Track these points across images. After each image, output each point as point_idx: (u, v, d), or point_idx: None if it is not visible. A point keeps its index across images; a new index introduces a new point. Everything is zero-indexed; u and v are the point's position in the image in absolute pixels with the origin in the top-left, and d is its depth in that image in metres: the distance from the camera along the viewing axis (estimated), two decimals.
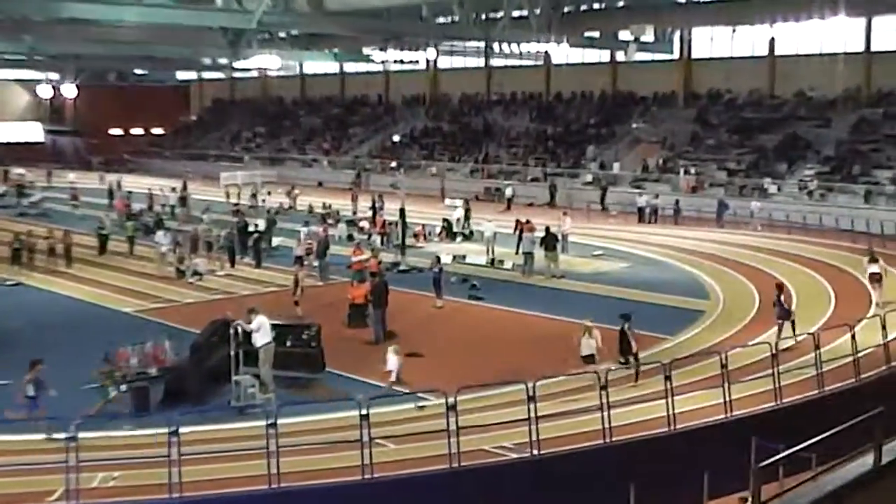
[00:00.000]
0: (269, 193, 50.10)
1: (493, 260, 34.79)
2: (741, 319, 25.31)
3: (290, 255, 32.84)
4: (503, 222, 39.05)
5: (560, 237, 34.48)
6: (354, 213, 47.03)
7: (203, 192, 55.76)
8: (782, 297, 22.85)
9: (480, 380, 17.62)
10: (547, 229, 33.38)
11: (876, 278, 26.32)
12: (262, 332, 19.32)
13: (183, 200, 49.46)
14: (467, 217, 42.17)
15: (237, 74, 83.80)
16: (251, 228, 36.84)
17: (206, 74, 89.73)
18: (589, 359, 19.50)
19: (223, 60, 64.46)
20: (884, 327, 19.35)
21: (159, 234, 35.07)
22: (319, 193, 56.54)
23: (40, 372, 16.88)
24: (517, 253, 34.41)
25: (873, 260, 27.13)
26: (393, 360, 19.88)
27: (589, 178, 53.79)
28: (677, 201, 46.44)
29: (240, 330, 18.94)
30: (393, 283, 27.17)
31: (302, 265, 29.52)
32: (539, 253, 32.80)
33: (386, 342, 22.42)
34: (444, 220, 42.01)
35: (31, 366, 17.02)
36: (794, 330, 21.63)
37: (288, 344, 20.30)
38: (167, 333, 21.93)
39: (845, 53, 49.09)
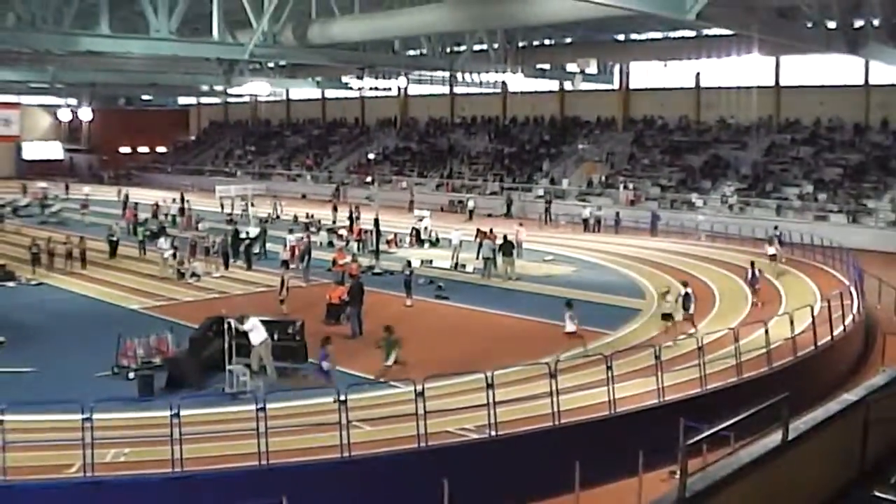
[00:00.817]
0: (251, 205, 49.74)
1: (456, 264, 34.90)
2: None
3: (277, 259, 32.70)
4: (467, 231, 39.18)
5: (516, 244, 34.64)
6: (334, 221, 46.90)
7: (200, 202, 55.32)
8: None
9: (446, 369, 17.65)
10: (505, 237, 33.58)
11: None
12: (256, 331, 19.23)
13: (182, 211, 49.12)
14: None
15: (231, 99, 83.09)
16: (242, 235, 36.66)
17: (204, 99, 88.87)
18: (667, 317, 21.47)
19: (219, 87, 63.98)
20: (791, 323, 19.63)
21: (161, 240, 34.84)
22: (303, 204, 56.39)
23: (330, 351, 18.16)
24: (478, 258, 34.55)
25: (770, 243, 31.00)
26: None
27: (541, 192, 53.93)
28: (618, 213, 46.66)
29: (233, 325, 18.90)
30: (368, 284, 27.15)
31: (287, 268, 29.41)
32: (498, 258, 32.97)
33: (363, 337, 22.46)
34: (413, 228, 42.17)
35: (322, 343, 18.51)
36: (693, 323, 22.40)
37: (275, 337, 20.26)
38: (169, 327, 21.82)
39: (759, 87, 49.74)
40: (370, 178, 63.14)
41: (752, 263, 27.98)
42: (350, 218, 44.51)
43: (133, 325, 22.85)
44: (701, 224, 42.95)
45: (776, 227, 37.92)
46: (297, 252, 32.99)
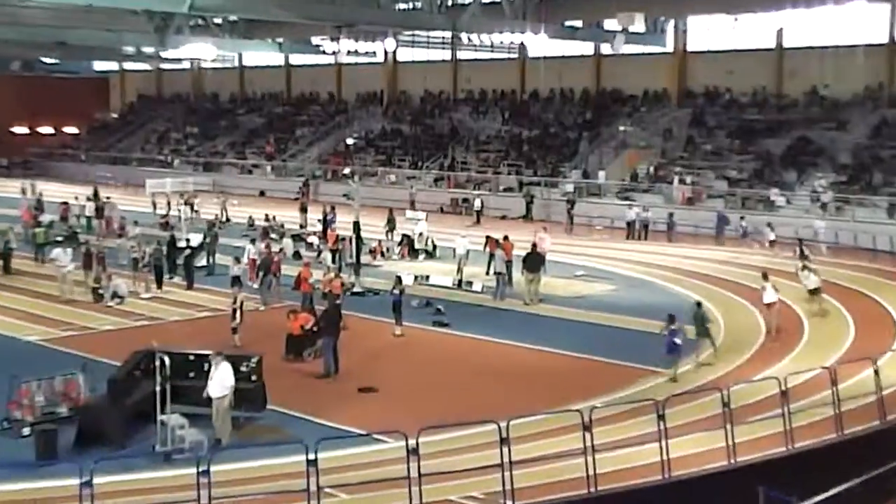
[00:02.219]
0: (193, 205, 49.66)
1: (460, 281, 34.97)
2: (746, 350, 25.49)
3: (227, 275, 32.63)
4: (474, 238, 39.24)
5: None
6: (302, 226, 46.92)
7: (126, 201, 55.35)
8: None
9: (445, 419, 17.59)
10: (533, 247, 33.63)
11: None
12: (219, 380, 18.95)
13: (100, 212, 48.98)
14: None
15: (165, 66, 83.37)
16: (182, 244, 36.59)
17: (129, 65, 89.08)
18: (815, 292, 25.63)
19: (148, 49, 63.87)
20: None
21: (58, 251, 34.18)
22: (262, 204, 56.37)
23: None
24: (488, 273, 34.60)
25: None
26: None
27: (569, 187, 54.06)
28: (671, 214, 46.81)
29: (167, 362, 18.69)
30: (346, 306, 27.18)
31: (241, 287, 29.30)
32: (515, 273, 33.01)
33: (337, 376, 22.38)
34: (404, 235, 42.21)
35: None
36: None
37: None
38: (81, 365, 21.57)
39: (865, 46, 49.27)
40: (349, 169, 63.16)
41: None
42: (323, 221, 44.60)
43: (31, 364, 22.60)
44: (820, 232, 42.27)
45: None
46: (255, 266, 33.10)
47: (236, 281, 30.62)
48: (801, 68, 54.98)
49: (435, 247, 41.32)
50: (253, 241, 36.69)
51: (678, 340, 23.00)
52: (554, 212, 51.38)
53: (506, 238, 35.54)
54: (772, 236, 41.80)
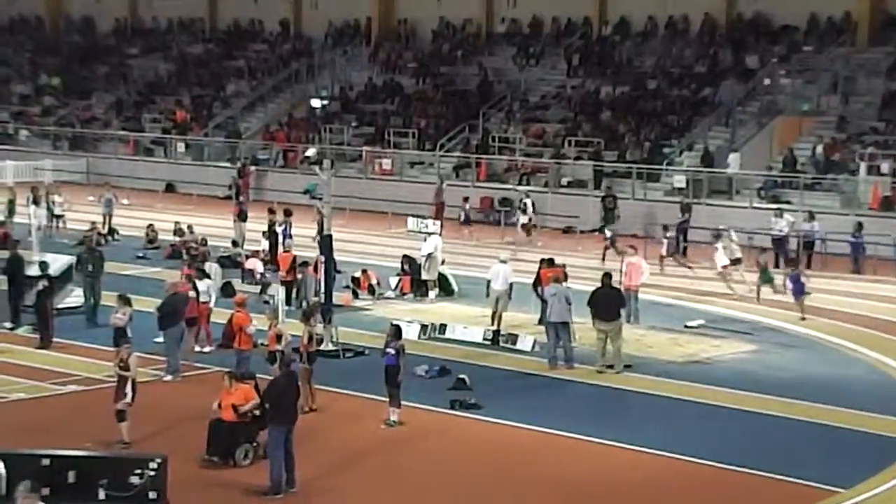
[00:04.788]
0: (39, 202, 49.50)
1: (496, 334, 34.94)
2: None
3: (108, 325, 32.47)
4: (519, 265, 39.21)
5: (626, 295, 34.94)
6: (236, 243, 46.94)
7: None
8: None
9: None
10: (605, 278, 33.43)
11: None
12: None
13: None
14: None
15: None
16: (33, 272, 36.33)
17: None
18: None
19: None
20: None
21: None
22: (170, 206, 56.25)
23: None
24: (541, 322, 34.68)
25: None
26: None
27: (680, 180, 53.99)
28: (858, 226, 46.61)
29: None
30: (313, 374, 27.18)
31: (129, 344, 28.90)
32: (577, 317, 32.83)
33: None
34: (405, 258, 42.32)
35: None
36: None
37: (103, 496, 20.27)
38: None
39: None
40: (313, 150, 62.79)
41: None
42: (271, 235, 45.00)
43: None
44: None
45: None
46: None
47: (121, 334, 30.28)
48: None
49: (454, 278, 41.40)
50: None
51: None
52: (652, 220, 51.29)
53: (549, 262, 35.82)
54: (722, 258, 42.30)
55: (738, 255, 42.18)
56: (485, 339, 34.71)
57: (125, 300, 32.21)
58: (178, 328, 31.52)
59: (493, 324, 35.45)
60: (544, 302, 34.42)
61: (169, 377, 30.52)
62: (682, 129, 58.78)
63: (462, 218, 54.31)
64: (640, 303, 36.81)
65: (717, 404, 29.19)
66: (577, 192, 56.47)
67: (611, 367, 31.79)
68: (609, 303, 32.56)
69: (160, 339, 31.75)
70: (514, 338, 34.49)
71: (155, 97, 76.14)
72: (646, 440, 26.21)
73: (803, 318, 37.18)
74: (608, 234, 46.47)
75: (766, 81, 59.36)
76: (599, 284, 33.15)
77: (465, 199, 54.52)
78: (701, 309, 38.84)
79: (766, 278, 39.75)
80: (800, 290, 37.51)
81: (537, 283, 35.76)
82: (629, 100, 62.06)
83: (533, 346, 33.82)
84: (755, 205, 51.66)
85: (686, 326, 36.62)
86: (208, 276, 35.33)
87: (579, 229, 52.72)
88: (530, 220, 52.38)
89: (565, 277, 34.28)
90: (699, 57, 63.44)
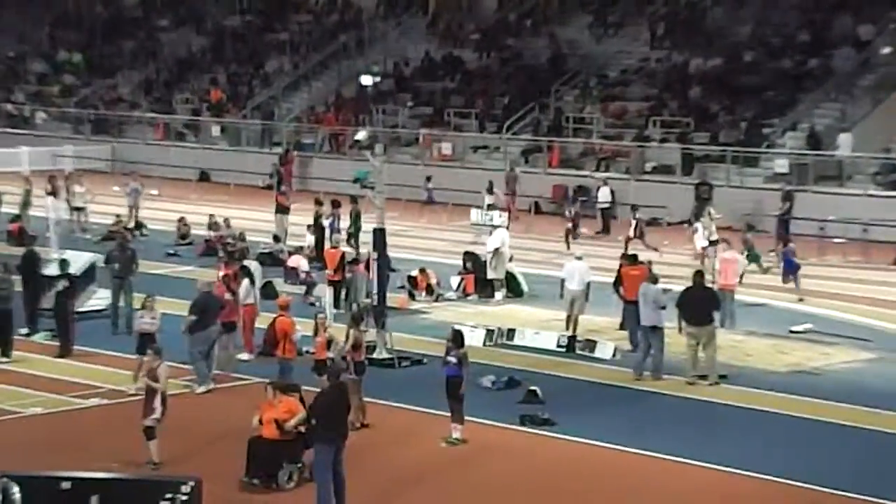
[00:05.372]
0: (56, 193, 49.88)
1: (572, 340, 34.96)
2: None
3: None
4: (598, 262, 39.39)
5: (721, 295, 34.93)
6: (278, 238, 47.16)
7: None
8: None
9: None
10: (697, 276, 33.41)
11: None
12: None
13: None
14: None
15: None
16: (50, 271, 36.62)
17: None
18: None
19: None
20: None
21: None
22: (203, 198, 56.49)
23: None
24: (623, 327, 34.80)
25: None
26: None
27: (782, 166, 54.09)
28: None
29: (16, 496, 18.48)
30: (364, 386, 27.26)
31: (157, 350, 28.84)
32: (667, 321, 32.68)
33: None
34: (467, 253, 42.69)
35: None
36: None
37: None
38: None
39: None
40: (364, 133, 62.99)
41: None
42: (317, 230, 45.20)
43: None
44: None
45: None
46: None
47: (148, 340, 30.18)
48: None
49: (524, 277, 41.55)
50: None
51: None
52: (750, 212, 51.36)
53: (632, 259, 36.03)
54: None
55: (716, 237, 43.88)
56: (559, 345, 34.85)
57: (147, 301, 32.36)
58: (205, 333, 31.50)
59: (567, 329, 35.52)
60: (627, 304, 34.49)
61: (201, 388, 30.52)
62: (783, 107, 58.75)
63: (534, 208, 54.87)
64: (737, 304, 36.72)
65: (827, 420, 28.99)
66: (664, 178, 56.68)
67: (704, 377, 31.72)
68: (701, 305, 32.47)
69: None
70: (592, 344, 34.57)
71: (187, 75, 76.58)
72: (743, 461, 26.05)
73: (801, 300, 40.43)
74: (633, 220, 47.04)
75: (885, 51, 59.05)
76: (690, 283, 33.11)
77: (428, 179, 56.41)
78: (806, 311, 38.87)
79: (752, 257, 42.52)
80: (792, 268, 40.92)
81: (618, 282, 35.67)
82: (722, 74, 62.09)
83: (613, 354, 33.93)
84: (870, 192, 51.61)
85: (791, 331, 36.66)
86: (251, 275, 35.32)
87: (666, 221, 52.82)
88: (609, 210, 53.04)
89: (654, 278, 33.91)
90: (803, 24, 63.19)
